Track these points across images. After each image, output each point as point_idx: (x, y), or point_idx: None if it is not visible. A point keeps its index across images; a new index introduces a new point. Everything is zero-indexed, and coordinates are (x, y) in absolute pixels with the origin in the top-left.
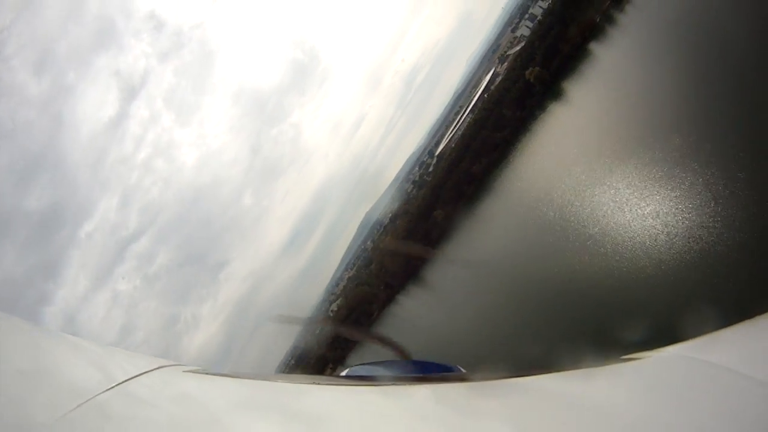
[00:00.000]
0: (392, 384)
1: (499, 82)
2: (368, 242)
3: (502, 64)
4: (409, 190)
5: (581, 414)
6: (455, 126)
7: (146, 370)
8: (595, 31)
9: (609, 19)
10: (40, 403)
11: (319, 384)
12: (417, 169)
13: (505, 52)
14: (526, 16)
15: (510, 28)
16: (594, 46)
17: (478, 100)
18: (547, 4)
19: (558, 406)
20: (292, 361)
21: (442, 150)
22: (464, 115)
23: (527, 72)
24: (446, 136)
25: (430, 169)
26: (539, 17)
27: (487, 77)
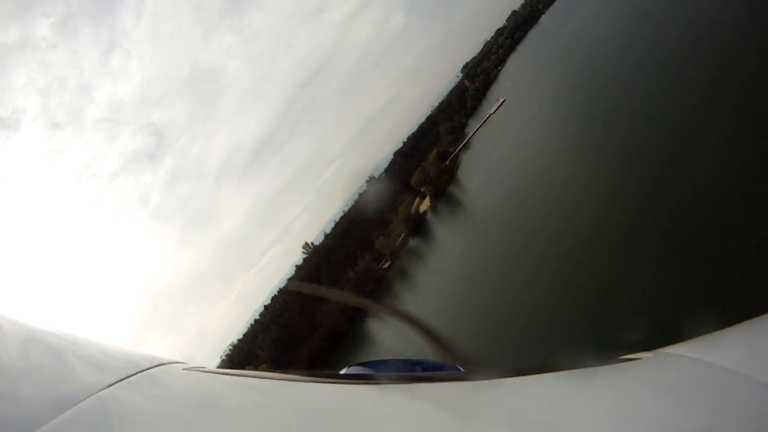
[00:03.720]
0: (391, 383)
1: None
2: None
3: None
4: None
5: (581, 414)
6: None
7: (146, 367)
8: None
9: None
10: (38, 401)
11: (319, 381)
12: None
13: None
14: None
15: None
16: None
17: None
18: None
19: (558, 406)
20: None
21: None
22: None
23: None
24: None
25: None
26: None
27: None
